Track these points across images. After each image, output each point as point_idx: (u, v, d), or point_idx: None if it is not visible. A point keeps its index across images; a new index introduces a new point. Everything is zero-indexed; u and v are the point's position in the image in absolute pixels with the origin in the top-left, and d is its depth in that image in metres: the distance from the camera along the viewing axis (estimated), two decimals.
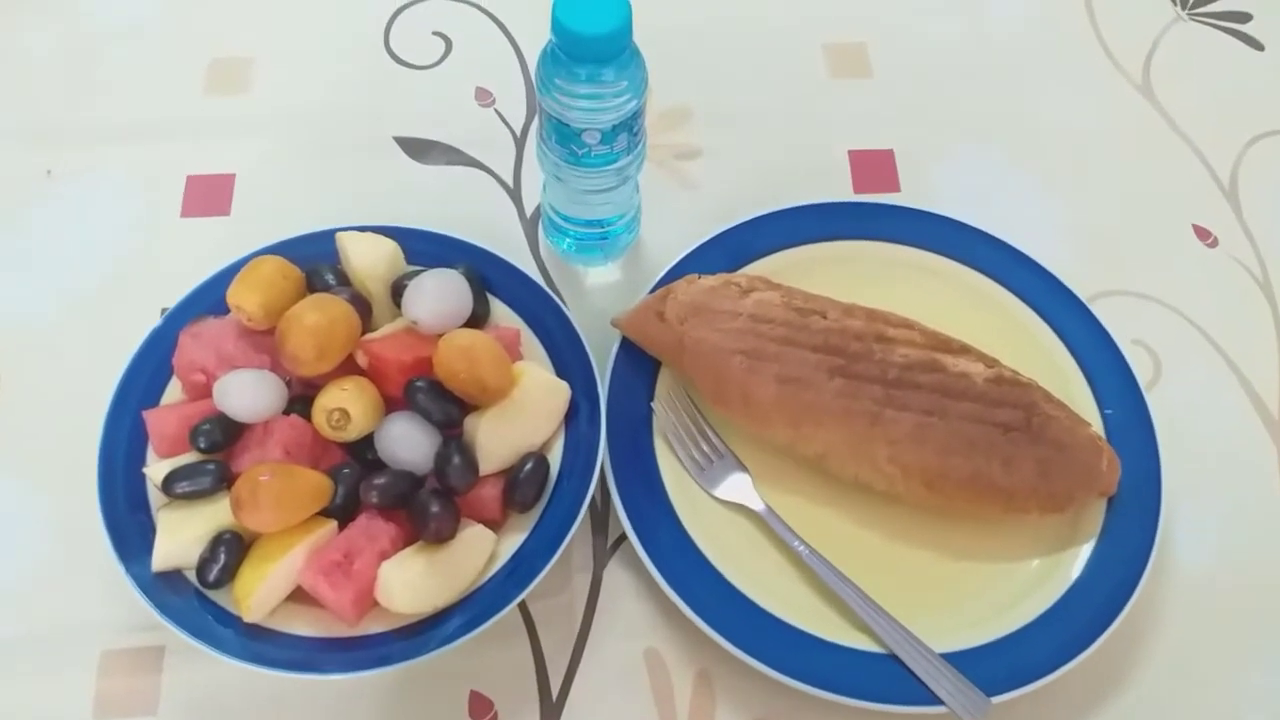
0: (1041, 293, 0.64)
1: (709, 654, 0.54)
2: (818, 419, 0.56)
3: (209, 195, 0.69)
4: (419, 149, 0.72)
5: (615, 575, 0.57)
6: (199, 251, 0.63)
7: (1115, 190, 0.72)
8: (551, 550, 0.53)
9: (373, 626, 0.51)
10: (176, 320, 0.58)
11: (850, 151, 0.72)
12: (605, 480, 0.57)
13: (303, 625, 0.51)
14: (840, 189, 0.71)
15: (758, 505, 0.58)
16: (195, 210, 0.69)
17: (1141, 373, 0.62)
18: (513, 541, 0.54)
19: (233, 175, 0.70)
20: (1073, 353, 0.62)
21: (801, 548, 0.56)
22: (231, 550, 0.51)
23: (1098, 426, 0.59)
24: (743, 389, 0.57)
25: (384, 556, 0.51)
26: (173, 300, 0.60)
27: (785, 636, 0.53)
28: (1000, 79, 0.77)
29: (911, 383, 0.56)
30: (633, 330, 0.61)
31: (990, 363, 0.58)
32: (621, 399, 0.59)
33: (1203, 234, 0.70)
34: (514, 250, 0.65)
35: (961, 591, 0.56)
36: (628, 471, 0.57)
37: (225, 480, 0.53)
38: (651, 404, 0.60)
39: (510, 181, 0.71)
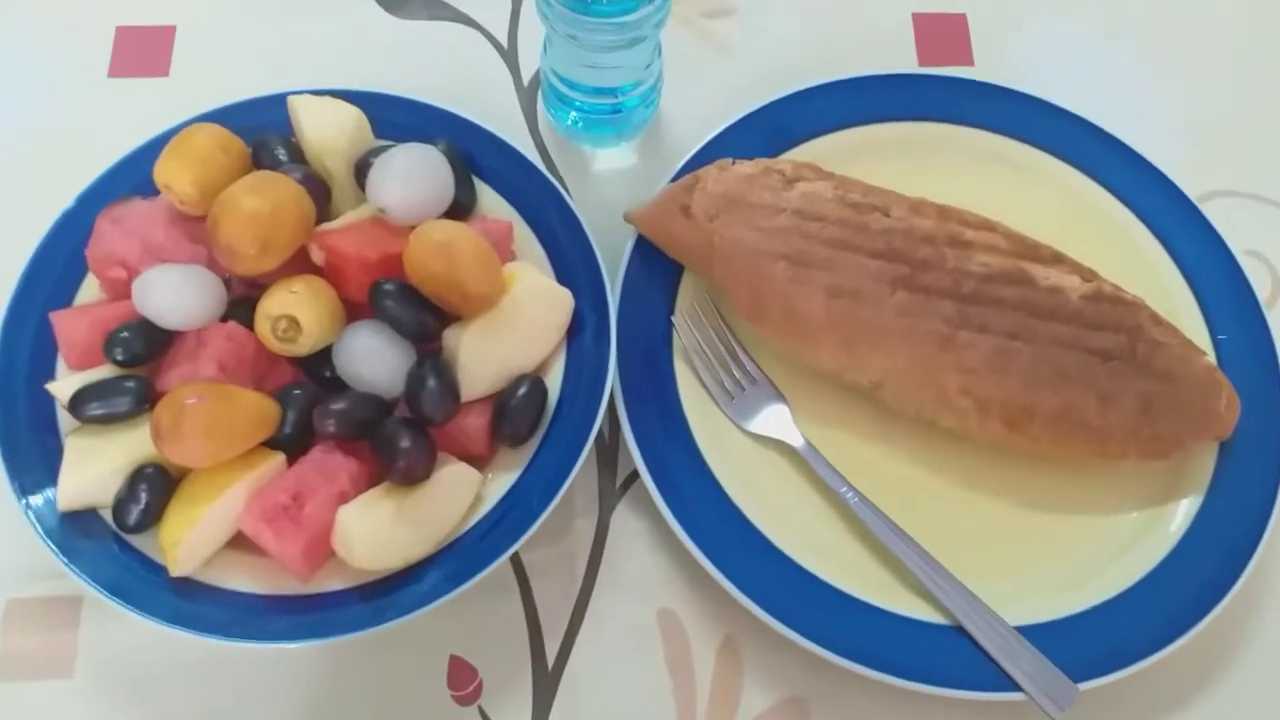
0: (1141, 190, 0.59)
1: (735, 618, 0.50)
2: (875, 340, 0.52)
3: (143, 51, 0.64)
4: None
5: (625, 521, 0.53)
6: (129, 119, 0.57)
7: (1230, 72, 0.67)
8: (549, 492, 0.49)
9: (329, 583, 0.47)
10: (93, 201, 0.53)
11: (915, 15, 0.67)
12: (614, 408, 0.53)
13: (243, 579, 0.47)
14: (903, 59, 0.66)
15: (797, 441, 0.53)
16: (126, 69, 0.64)
17: (1259, 289, 0.56)
18: (502, 482, 0.50)
19: (172, 28, 0.65)
20: (1178, 264, 0.57)
21: (849, 494, 0.52)
22: (155, 488, 0.46)
23: (1210, 355, 0.54)
24: (785, 302, 0.53)
25: (342, 499, 0.47)
26: (92, 177, 0.54)
27: (827, 600, 0.49)
28: None
29: (992, 298, 0.51)
30: (651, 227, 0.56)
31: (1088, 275, 0.53)
32: (636, 311, 0.55)
33: None
34: (507, 125, 0.60)
35: (1042, 551, 0.52)
36: (641, 398, 0.53)
37: (148, 401, 0.48)
38: (672, 318, 0.56)
39: (504, 40, 0.65)
